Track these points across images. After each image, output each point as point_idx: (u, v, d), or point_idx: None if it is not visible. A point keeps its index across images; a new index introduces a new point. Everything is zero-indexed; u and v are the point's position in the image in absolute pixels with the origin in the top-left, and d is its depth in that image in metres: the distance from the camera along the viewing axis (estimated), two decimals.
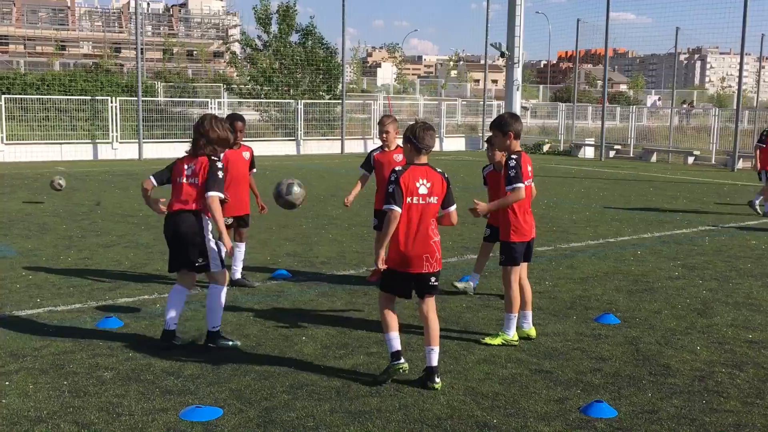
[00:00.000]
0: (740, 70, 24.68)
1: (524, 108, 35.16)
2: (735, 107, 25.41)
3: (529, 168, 6.21)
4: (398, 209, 5.08)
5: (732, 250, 10.39)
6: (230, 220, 7.69)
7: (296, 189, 7.42)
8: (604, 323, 6.81)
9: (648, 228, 12.08)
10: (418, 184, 5.15)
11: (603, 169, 24.15)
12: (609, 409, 4.84)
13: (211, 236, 5.92)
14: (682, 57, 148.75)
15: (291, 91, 31.16)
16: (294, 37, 31.88)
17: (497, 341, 6.12)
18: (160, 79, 37.19)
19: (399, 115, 35.21)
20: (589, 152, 30.36)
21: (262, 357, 5.81)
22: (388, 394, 5.09)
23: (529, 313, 6.39)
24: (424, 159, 5.27)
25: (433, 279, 5.25)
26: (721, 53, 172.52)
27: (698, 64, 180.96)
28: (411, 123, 5.43)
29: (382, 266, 5.21)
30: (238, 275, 7.98)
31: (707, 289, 8.15)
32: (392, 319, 5.29)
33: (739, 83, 25.46)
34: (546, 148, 31.94)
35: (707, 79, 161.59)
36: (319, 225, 12.04)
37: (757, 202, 13.79)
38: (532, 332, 6.37)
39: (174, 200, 5.94)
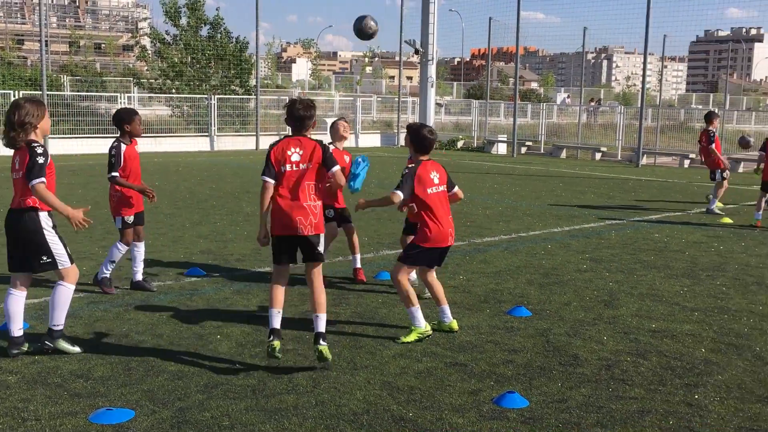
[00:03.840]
0: (644, 70, 25.61)
1: (438, 105, 35.57)
2: (639, 105, 26.35)
3: (436, 175, 6.28)
4: (270, 180, 5.43)
5: (636, 243, 10.79)
6: (132, 219, 7.48)
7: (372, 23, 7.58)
8: (517, 316, 6.98)
9: (558, 222, 12.43)
10: (289, 153, 5.44)
11: (515, 165, 24.68)
12: (521, 399, 4.96)
13: (51, 231, 5.56)
14: (589, 56, 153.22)
15: (203, 85, 30.62)
16: (204, 31, 31.35)
17: (412, 337, 6.17)
18: (66, 73, 35.92)
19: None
20: (501, 148, 30.98)
21: (176, 357, 5.71)
22: (305, 391, 5.08)
23: (446, 307, 6.46)
24: (305, 132, 5.55)
25: (311, 245, 5.48)
26: (626, 53, 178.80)
27: (605, 63, 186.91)
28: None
29: (264, 238, 5.51)
30: (138, 276, 7.68)
31: (613, 281, 8.44)
32: (278, 295, 5.53)
33: (643, 82, 26.42)
34: (460, 144, 32.42)
35: (614, 77, 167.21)
36: (234, 222, 11.89)
37: (714, 206, 14.13)
38: (454, 325, 6.43)
39: (14, 197, 5.62)
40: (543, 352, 6.01)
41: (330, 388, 5.14)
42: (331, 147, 7.85)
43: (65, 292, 5.68)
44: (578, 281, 8.38)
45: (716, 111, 17.39)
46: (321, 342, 5.42)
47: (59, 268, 5.63)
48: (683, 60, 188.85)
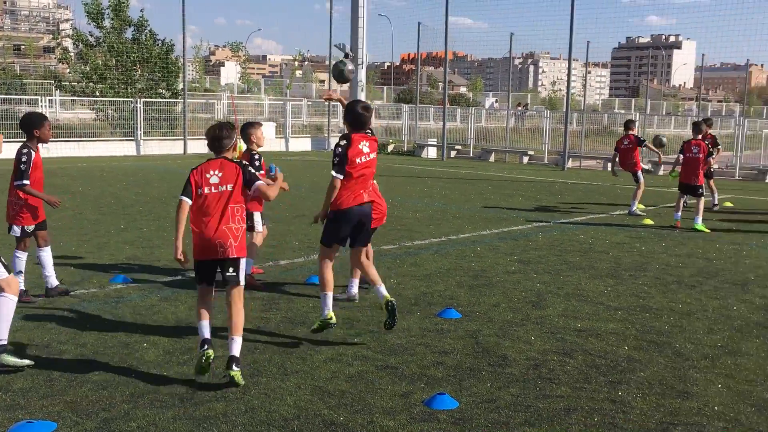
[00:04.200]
0: (568, 75, 26.22)
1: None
2: (564, 110, 26.96)
3: (365, 144, 6.29)
4: (186, 199, 5.40)
5: (563, 244, 11.03)
6: (32, 228, 7.25)
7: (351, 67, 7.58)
8: (447, 318, 7.04)
9: (487, 225, 12.60)
10: (208, 176, 5.42)
11: (445, 168, 24.93)
12: (451, 400, 5.01)
13: None
14: (516, 61, 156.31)
15: (128, 89, 29.95)
16: (128, 33, 30.69)
17: (316, 325, 6.22)
18: None
19: (243, 114, 34.74)
20: (431, 152, 31.25)
21: (101, 366, 5.56)
22: (234, 398, 5.02)
23: (381, 287, 6.31)
24: (224, 153, 5.55)
25: (231, 269, 5.41)
26: (551, 58, 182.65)
27: (531, 68, 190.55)
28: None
29: (180, 257, 5.39)
30: (52, 282, 7.47)
31: (541, 282, 8.60)
32: (203, 311, 5.46)
33: (568, 87, 27.05)
34: (390, 148, 32.56)
35: (540, 82, 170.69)
36: (161, 227, 11.66)
37: (635, 208, 14.50)
38: (388, 297, 6.27)
39: None
40: (472, 353, 6.08)
41: (260, 395, 5.09)
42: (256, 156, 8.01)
43: (7, 304, 5.43)
44: (507, 283, 8.51)
45: (634, 118, 17.96)
46: (234, 367, 5.21)
47: None
48: (606, 66, 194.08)
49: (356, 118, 6.33)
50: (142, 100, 28.00)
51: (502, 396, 5.18)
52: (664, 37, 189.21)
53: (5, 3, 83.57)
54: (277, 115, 34.92)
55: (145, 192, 15.86)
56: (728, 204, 16.53)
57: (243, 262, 5.49)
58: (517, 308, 7.45)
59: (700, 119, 15.01)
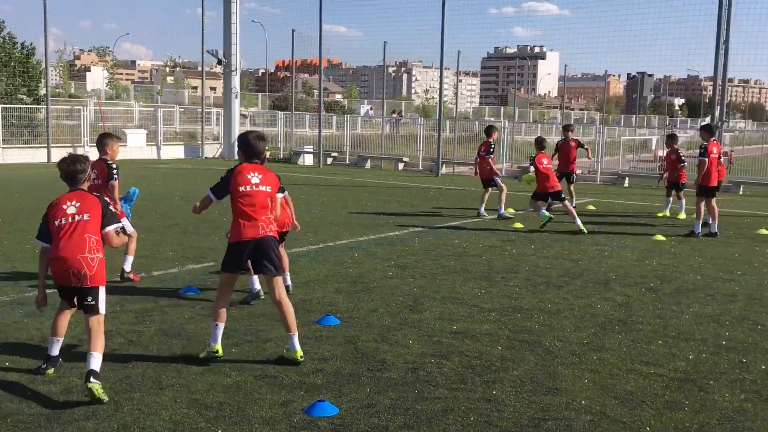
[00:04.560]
0: (440, 84, 26.85)
1: (243, 116, 35.22)
2: (437, 117, 27.57)
3: (256, 175, 6.07)
4: (44, 244, 5.58)
5: (438, 249, 11.27)
6: None
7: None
8: (325, 325, 7.04)
9: (364, 231, 12.70)
10: (65, 206, 5.48)
11: (321, 175, 24.95)
12: (331, 407, 5.01)
13: None
14: (390, 69, 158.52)
15: None
16: None
17: (202, 354, 5.97)
18: None
19: (112, 122, 33.54)
20: (308, 159, 31.21)
21: None
22: (106, 416, 4.82)
23: (293, 336, 5.97)
24: (81, 186, 5.65)
25: (89, 298, 5.39)
26: (424, 67, 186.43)
27: (405, 76, 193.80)
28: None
29: (41, 304, 5.72)
30: None
31: (417, 286, 8.76)
32: (59, 325, 5.64)
33: (440, 96, 27.70)
34: (266, 155, 32.24)
35: (413, 90, 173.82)
36: (24, 240, 11.06)
37: (503, 211, 14.92)
38: (297, 355, 5.93)
39: None
40: (352, 359, 6.11)
41: (134, 410, 4.92)
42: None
43: None
44: (384, 288, 8.61)
45: (496, 125, 18.66)
46: (92, 380, 5.02)
47: None
48: (476, 75, 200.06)
49: (250, 147, 6.14)
50: (1, 106, 26.49)
51: (382, 400, 5.23)
52: (529, 48, 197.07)
53: None
54: (148, 122, 33.88)
55: (6, 203, 15.02)
56: (591, 207, 17.38)
57: (102, 291, 5.41)
58: (395, 313, 7.55)
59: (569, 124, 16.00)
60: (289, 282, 8.11)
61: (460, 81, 49.63)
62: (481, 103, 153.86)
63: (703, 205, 13.21)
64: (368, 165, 29.76)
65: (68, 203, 5.46)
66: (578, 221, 13.20)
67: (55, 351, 5.57)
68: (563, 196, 13.65)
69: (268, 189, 6.08)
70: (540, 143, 13.93)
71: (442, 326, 7.12)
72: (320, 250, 10.95)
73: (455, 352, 6.34)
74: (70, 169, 5.54)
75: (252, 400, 5.17)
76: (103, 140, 8.51)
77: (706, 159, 13.07)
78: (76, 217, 5.39)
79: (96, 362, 5.16)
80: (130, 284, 8.47)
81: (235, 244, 5.99)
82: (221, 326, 5.98)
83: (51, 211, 5.49)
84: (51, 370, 5.46)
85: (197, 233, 12.03)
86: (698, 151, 13.69)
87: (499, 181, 15.36)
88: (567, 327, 7.20)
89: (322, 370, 5.81)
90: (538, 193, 13.55)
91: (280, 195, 6.42)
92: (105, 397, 5.01)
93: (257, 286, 7.79)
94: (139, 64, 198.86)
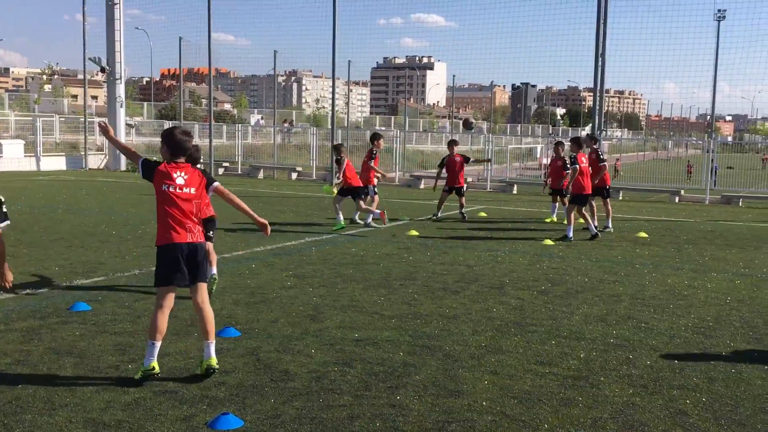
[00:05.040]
0: (333, 93, 26.94)
1: (129, 125, 34.19)
2: (330, 127, 27.63)
3: (181, 175, 5.87)
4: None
5: (336, 257, 11.28)
6: None
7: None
8: (225, 337, 6.93)
9: (260, 242, 12.56)
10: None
11: None
12: (236, 419, 4.94)
13: None
14: (280, 78, 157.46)
15: None
16: None
17: (138, 375, 5.69)
18: None
19: None
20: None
21: None
22: None
23: (210, 343, 5.87)
24: None
25: None
26: (314, 76, 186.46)
27: (295, 85, 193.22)
28: None
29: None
30: None
31: (317, 295, 8.74)
32: None
33: (333, 105, 27.77)
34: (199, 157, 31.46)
35: (304, 99, 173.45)
36: None
37: (370, 220, 15.02)
38: (212, 361, 5.85)
39: None
40: (254, 370, 6.04)
41: None
42: None
43: None
44: (284, 298, 8.55)
45: (395, 134, 18.86)
46: None
47: None
48: (366, 84, 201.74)
49: (176, 144, 5.86)
50: None
51: (287, 410, 5.19)
52: (418, 58, 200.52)
53: None
54: (25, 132, 32.38)
55: None
56: (482, 214, 17.83)
57: None
58: (295, 323, 7.51)
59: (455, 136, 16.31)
60: (215, 272, 8.22)
61: (351, 90, 49.88)
62: (371, 113, 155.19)
63: (574, 212, 13.87)
64: (261, 175, 29.49)
65: None
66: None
67: None
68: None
69: (192, 191, 5.86)
70: (577, 142, 14.39)
71: (343, 334, 7.14)
72: (217, 262, 10.73)
73: (358, 360, 6.37)
74: None
75: (152, 416, 5.03)
76: None
77: (578, 167, 13.85)
78: None
79: None
80: (15, 302, 8.06)
81: (164, 248, 5.76)
82: (157, 344, 5.72)
83: None
84: None
85: (84, 247, 11.59)
86: (568, 161, 14.57)
87: (373, 191, 15.59)
88: (465, 331, 7.36)
89: (224, 383, 5.72)
90: (576, 195, 13.97)
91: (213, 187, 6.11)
92: None
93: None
94: (13, 72, 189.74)
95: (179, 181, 5.83)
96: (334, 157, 13.64)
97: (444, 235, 13.66)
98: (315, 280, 9.61)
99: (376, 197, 15.73)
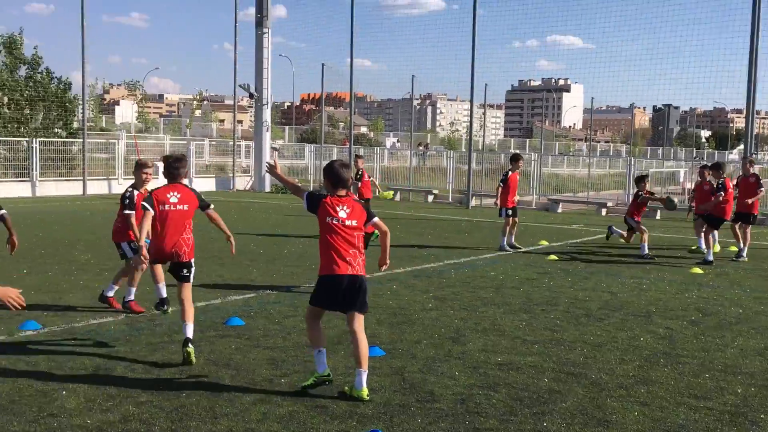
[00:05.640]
0: (470, 117, 27.03)
1: (274, 149, 35.61)
2: (465, 150, 27.72)
3: (344, 209, 6.15)
4: (151, 210, 6.96)
5: (475, 281, 11.30)
6: None
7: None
8: (371, 356, 7.05)
9: (400, 263, 12.76)
10: (168, 195, 7.12)
11: None
12: None
13: None
14: (415, 102, 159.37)
15: (22, 128, 28.89)
16: (21, 71, 29.72)
17: (309, 380, 6.02)
18: None
19: (144, 155, 34.03)
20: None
21: (18, 416, 5.34)
22: None
23: (362, 372, 5.94)
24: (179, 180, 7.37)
25: (185, 270, 7.06)
26: (449, 100, 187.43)
27: (429, 109, 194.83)
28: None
29: (145, 255, 6.98)
30: None
31: (458, 318, 8.80)
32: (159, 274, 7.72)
33: (470, 128, 27.88)
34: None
35: (438, 123, 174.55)
36: (68, 271, 11.27)
37: (504, 243, 14.96)
38: (364, 393, 5.89)
39: None
40: (400, 389, 6.16)
41: None
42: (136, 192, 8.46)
43: None
44: (426, 319, 8.66)
45: (533, 158, 18.47)
46: (189, 345, 6.72)
47: None
48: (500, 107, 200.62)
49: (337, 176, 6.16)
50: (38, 139, 27.05)
51: (433, 431, 5.27)
52: (554, 80, 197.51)
53: None
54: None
55: (47, 235, 15.29)
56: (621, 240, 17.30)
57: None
58: (438, 344, 7.60)
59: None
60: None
61: (486, 113, 49.84)
62: (505, 136, 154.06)
63: (710, 235, 14.27)
64: (398, 197, 29.89)
65: (171, 193, 7.16)
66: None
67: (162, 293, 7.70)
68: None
69: (354, 223, 6.12)
70: (719, 167, 14.69)
71: (486, 358, 7.15)
72: None
73: (502, 384, 6.37)
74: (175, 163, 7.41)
75: (306, 429, 5.24)
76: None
77: (722, 194, 14.12)
78: (178, 207, 7.16)
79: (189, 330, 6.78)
80: (176, 316, 8.58)
81: (325, 278, 6.03)
82: (323, 351, 6.06)
83: (155, 195, 7.12)
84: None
85: (236, 264, 12.17)
86: (717, 186, 14.25)
87: (506, 213, 15.17)
88: (612, 359, 7.20)
89: (371, 401, 5.86)
90: (716, 218, 14.22)
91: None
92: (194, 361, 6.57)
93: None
94: (167, 98, 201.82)
95: (342, 214, 6.07)
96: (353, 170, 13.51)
97: (585, 260, 13.39)
98: (455, 302, 9.67)
99: (510, 220, 15.26)
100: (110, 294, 8.80)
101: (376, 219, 6.33)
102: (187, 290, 7.02)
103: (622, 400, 6.02)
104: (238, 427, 5.24)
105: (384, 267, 6.54)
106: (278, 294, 9.96)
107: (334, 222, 6.04)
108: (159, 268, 7.71)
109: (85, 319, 8.34)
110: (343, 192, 6.18)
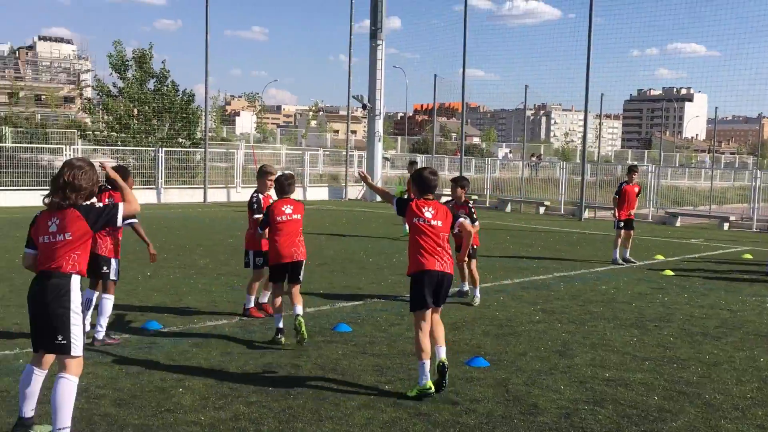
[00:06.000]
0: (584, 127, 26.50)
1: (386, 159, 36.02)
2: (579, 161, 27.16)
3: (430, 210, 6.46)
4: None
5: (585, 294, 11.08)
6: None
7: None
8: (475, 366, 7.10)
9: (508, 275, 12.67)
10: (283, 208, 7.86)
11: None
12: None
13: (79, 309, 4.88)
14: (529, 112, 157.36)
15: (149, 138, 30.47)
16: (150, 84, 31.34)
17: (413, 392, 6.14)
18: (8, 124, 35.31)
19: (261, 164, 35.15)
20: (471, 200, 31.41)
21: (139, 410, 5.66)
22: None
23: (441, 348, 6.35)
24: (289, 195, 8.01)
25: (300, 270, 7.88)
26: (564, 110, 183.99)
27: (543, 119, 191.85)
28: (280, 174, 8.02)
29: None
30: (101, 335, 7.59)
31: (566, 331, 8.66)
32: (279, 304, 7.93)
33: (584, 140, 27.31)
34: (406, 197, 32.77)
35: (552, 133, 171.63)
36: (188, 275, 11.82)
37: (617, 256, 14.63)
38: (443, 359, 6.27)
39: (40, 260, 4.95)
40: (503, 401, 6.14)
41: None
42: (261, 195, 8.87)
43: (71, 387, 4.84)
44: (532, 332, 8.58)
45: (650, 170, 17.79)
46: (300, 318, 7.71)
47: (71, 354, 4.85)
48: (618, 117, 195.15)
49: (424, 182, 6.55)
50: (163, 149, 28.44)
51: None
52: (675, 89, 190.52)
53: (27, 54, 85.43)
54: (294, 164, 35.29)
55: (170, 239, 16.05)
56: (748, 256, 16.52)
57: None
58: (544, 357, 7.51)
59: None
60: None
61: (602, 124, 48.63)
62: (622, 147, 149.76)
63: None
64: (508, 208, 29.63)
65: (285, 206, 7.89)
66: None
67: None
68: None
69: (440, 224, 6.44)
70: None
71: (594, 373, 7.02)
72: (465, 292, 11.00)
73: (609, 400, 6.24)
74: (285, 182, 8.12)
75: None
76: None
77: None
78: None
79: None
80: (285, 321, 8.86)
81: (417, 274, 6.33)
82: (426, 363, 6.16)
83: (272, 207, 7.91)
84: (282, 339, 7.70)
85: (345, 272, 12.41)
86: None
87: (617, 225, 14.77)
88: (728, 380, 6.92)
89: (474, 411, 5.87)
90: None
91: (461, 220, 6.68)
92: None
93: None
94: (284, 109, 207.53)
95: (427, 214, 6.41)
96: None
97: (703, 276, 12.88)
98: (563, 315, 9.52)
99: (621, 232, 14.85)
100: (250, 305, 9.07)
101: (461, 219, 6.68)
102: (298, 289, 7.91)
103: (738, 422, 5.78)
104: (341, 431, 5.37)
105: (461, 262, 7.45)
106: (385, 302, 10.10)
107: (420, 222, 6.41)
108: (280, 300, 7.95)
109: (202, 320, 8.73)
110: (429, 196, 6.57)
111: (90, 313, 7.71)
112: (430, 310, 6.35)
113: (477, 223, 9.58)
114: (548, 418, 5.75)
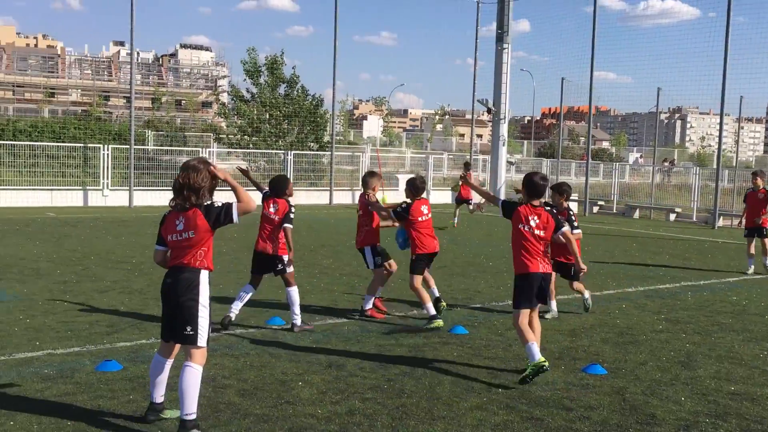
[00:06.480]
0: (720, 131, 25.35)
1: (510, 163, 35.72)
2: (715, 166, 25.99)
3: (534, 218, 6.79)
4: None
5: (714, 305, 10.66)
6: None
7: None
8: (592, 373, 7.01)
9: (632, 282, 12.35)
10: (422, 209, 8.70)
11: (587, 224, 24.50)
12: None
13: (207, 303, 5.24)
14: (662, 116, 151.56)
15: (279, 141, 31.59)
16: (281, 89, 32.47)
17: (528, 371, 6.51)
18: (150, 128, 37.53)
19: (386, 167, 35.67)
20: (572, 207, 30.76)
21: (261, 401, 5.96)
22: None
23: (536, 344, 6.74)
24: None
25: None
26: (701, 113, 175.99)
27: (678, 123, 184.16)
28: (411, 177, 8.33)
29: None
30: (299, 321, 8.42)
31: (690, 342, 8.38)
32: (424, 296, 8.64)
33: (719, 143, 26.12)
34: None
35: (687, 138, 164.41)
36: (311, 274, 12.22)
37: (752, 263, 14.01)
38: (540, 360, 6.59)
39: (171, 256, 5.37)
40: (619, 410, 6.04)
41: None
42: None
43: (196, 376, 5.16)
44: (654, 341, 8.35)
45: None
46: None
47: (198, 345, 5.20)
48: (761, 121, 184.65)
49: (534, 188, 6.84)
50: (292, 152, 29.40)
51: None
52: None
53: (169, 61, 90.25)
54: (418, 167, 35.63)
55: (294, 240, 16.56)
56: None
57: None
58: (665, 368, 7.31)
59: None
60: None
61: (742, 128, 46.23)
62: (765, 152, 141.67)
63: None
64: (636, 215, 28.73)
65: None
66: None
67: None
68: None
69: (542, 233, 6.78)
70: None
71: (717, 386, 6.77)
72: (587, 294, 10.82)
73: (733, 414, 6.01)
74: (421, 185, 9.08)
75: None
76: (364, 178, 9.50)
77: None
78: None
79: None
80: (404, 321, 9.04)
81: (523, 276, 6.73)
82: (534, 344, 6.59)
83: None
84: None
85: (464, 275, 12.47)
86: None
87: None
88: None
89: (588, 418, 5.82)
90: None
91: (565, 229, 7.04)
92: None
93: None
94: (410, 113, 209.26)
95: (532, 223, 6.75)
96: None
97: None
98: (689, 326, 9.21)
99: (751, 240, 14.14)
100: (368, 306, 9.27)
101: (564, 229, 6.97)
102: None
103: None
104: (452, 431, 5.45)
105: (582, 273, 7.70)
106: (504, 306, 10.08)
107: (525, 229, 6.75)
108: (424, 292, 8.71)
109: (323, 318, 9.04)
110: (536, 202, 6.82)
111: (240, 306, 8.51)
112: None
113: (577, 231, 9.39)
114: (666, 429, 5.62)
